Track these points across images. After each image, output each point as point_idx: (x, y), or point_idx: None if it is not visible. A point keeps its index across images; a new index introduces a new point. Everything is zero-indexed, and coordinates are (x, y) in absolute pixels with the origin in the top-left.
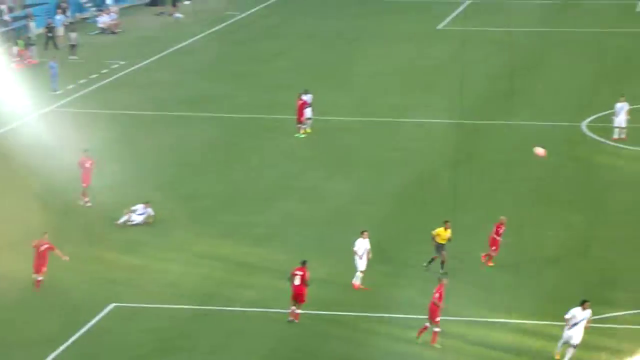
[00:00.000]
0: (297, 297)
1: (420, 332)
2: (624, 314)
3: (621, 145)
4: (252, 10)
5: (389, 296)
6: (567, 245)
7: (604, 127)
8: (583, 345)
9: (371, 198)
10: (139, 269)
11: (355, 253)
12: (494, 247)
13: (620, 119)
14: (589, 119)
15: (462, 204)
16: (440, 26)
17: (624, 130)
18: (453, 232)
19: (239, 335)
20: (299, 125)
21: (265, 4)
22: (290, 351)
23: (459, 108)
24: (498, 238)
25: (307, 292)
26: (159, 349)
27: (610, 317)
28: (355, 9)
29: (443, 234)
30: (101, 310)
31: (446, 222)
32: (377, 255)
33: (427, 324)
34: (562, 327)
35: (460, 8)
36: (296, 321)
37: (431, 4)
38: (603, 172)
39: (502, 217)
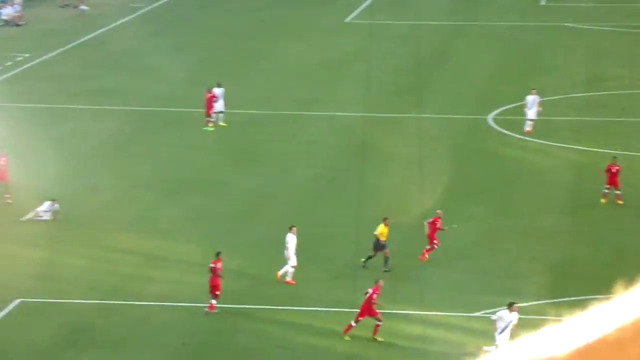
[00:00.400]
0: (210, 289)
1: (375, 331)
2: (529, 305)
3: (527, 138)
4: (159, 2)
5: (297, 290)
6: (472, 237)
7: (510, 120)
8: (487, 335)
9: (279, 192)
10: (45, 264)
11: (286, 248)
12: (435, 241)
13: (532, 112)
14: (494, 112)
15: (369, 198)
16: (348, 19)
17: (532, 123)
18: (360, 226)
19: (145, 329)
20: (207, 119)
21: None
22: (197, 345)
23: (367, 101)
24: (438, 228)
25: (220, 284)
26: (66, 343)
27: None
28: (263, 2)
29: (384, 230)
30: (6, 306)
31: (385, 219)
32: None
33: (378, 323)
34: (468, 319)
35: (369, 1)
36: (210, 311)
37: None
38: (508, 165)
39: (439, 211)
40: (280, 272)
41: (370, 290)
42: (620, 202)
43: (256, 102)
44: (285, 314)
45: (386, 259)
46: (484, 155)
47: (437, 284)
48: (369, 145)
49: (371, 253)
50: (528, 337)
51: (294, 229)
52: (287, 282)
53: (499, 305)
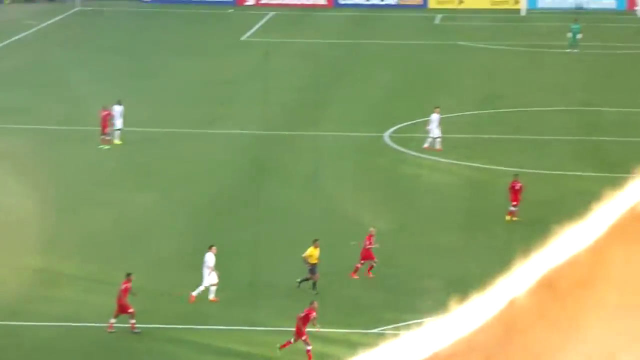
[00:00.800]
0: (117, 309)
1: (285, 345)
2: (428, 320)
3: (424, 156)
4: (52, 20)
5: (197, 308)
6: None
7: (406, 137)
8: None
9: (177, 210)
10: None
11: (207, 267)
12: (368, 259)
13: (436, 130)
14: (391, 130)
15: (268, 216)
16: (244, 37)
17: (438, 140)
18: (252, 245)
19: (44, 351)
20: (103, 137)
21: (65, 14)
22: None
23: (264, 119)
24: (370, 247)
25: (124, 303)
26: None
27: (414, 323)
28: (156, 21)
29: (314, 253)
30: None
31: (315, 240)
32: (186, 265)
33: (291, 341)
34: (366, 336)
35: (265, 19)
36: (132, 330)
37: (235, 14)
38: (405, 182)
39: (372, 229)
40: (195, 293)
41: (305, 313)
42: (515, 218)
43: (153, 120)
44: (185, 333)
45: (305, 280)
46: (380, 172)
47: (335, 300)
48: (267, 163)
49: (308, 275)
50: (362, 355)
51: (214, 248)
52: (212, 300)
53: (398, 321)
